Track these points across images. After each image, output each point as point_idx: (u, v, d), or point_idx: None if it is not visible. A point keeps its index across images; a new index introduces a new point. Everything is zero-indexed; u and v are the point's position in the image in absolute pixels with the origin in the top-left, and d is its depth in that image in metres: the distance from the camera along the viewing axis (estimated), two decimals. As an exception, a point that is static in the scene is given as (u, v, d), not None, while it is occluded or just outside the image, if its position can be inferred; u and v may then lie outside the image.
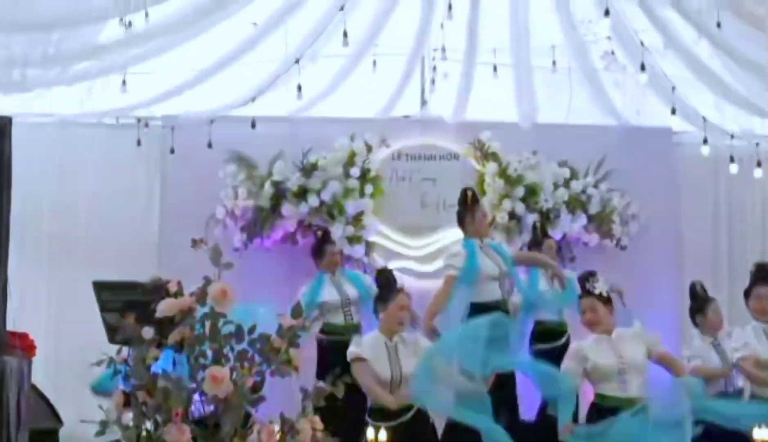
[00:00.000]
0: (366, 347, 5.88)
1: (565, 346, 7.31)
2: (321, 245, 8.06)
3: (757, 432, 4.62)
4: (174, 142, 8.56)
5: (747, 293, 6.54)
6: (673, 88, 8.11)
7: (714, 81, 8.35)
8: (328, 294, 7.81)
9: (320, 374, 6.89)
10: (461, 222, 7.35)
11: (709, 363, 6.89)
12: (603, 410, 5.75)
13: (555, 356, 6.87)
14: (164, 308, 3.70)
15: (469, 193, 7.36)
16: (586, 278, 6.05)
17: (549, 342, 7.83)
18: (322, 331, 7.61)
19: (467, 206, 7.30)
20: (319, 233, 8.17)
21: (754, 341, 6.36)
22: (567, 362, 5.97)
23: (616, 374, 5.77)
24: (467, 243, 7.18)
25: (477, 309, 6.65)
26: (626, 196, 8.94)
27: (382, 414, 5.67)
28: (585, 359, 5.85)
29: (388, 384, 5.75)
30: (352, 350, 5.86)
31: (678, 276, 9.12)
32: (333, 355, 7.07)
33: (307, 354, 4.25)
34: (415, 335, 6.07)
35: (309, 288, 7.85)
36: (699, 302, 7.38)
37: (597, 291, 5.95)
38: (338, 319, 7.75)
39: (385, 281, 6.19)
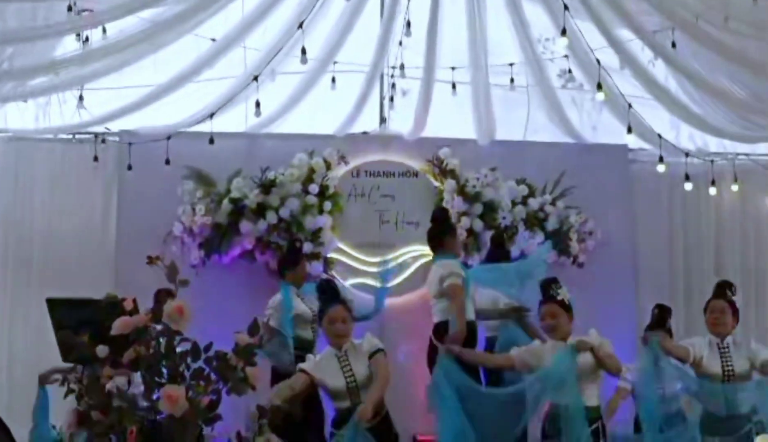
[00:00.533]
0: (314, 361, 5.90)
1: None
2: (296, 256, 7.93)
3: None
4: (131, 158, 8.50)
5: (705, 308, 6.67)
6: (629, 107, 8.19)
7: (669, 100, 8.45)
8: (297, 308, 7.67)
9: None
10: (440, 240, 7.42)
11: None
12: (557, 417, 5.77)
13: None
14: (119, 325, 3.66)
15: (450, 212, 7.49)
16: (549, 284, 6.06)
17: None
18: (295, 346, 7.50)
19: (449, 225, 7.40)
20: (297, 243, 8.06)
21: (706, 352, 6.46)
22: (524, 353, 6.03)
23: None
24: (456, 261, 7.34)
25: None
26: (583, 213, 9.00)
27: (345, 423, 5.65)
28: (540, 361, 5.88)
29: (345, 392, 5.72)
30: (299, 365, 5.87)
31: (634, 292, 9.23)
32: None
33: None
34: (365, 340, 6.00)
35: (281, 301, 7.68)
36: (648, 326, 7.58)
37: (559, 297, 5.98)
38: (307, 333, 7.59)
39: (321, 294, 6.13)
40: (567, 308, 6.00)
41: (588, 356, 5.86)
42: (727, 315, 6.45)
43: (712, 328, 6.47)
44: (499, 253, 8.22)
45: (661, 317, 7.76)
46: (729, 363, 6.35)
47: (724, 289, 6.60)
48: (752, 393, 6.20)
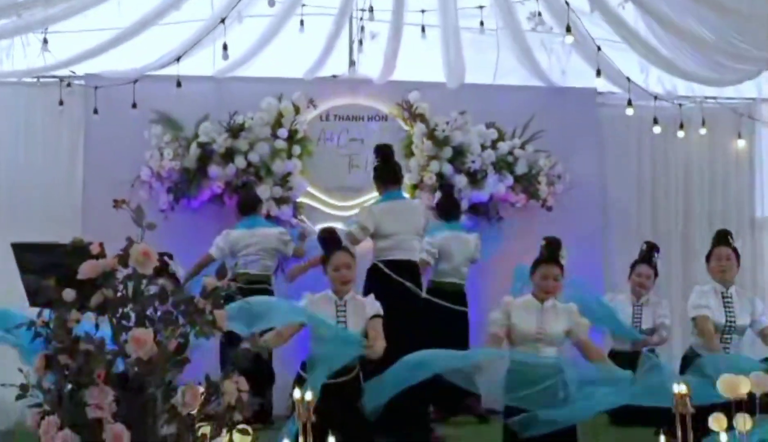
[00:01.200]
0: (311, 298, 5.98)
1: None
2: (256, 199, 8.11)
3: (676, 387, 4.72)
4: (97, 102, 8.41)
5: (708, 257, 6.77)
6: (599, 49, 8.18)
7: (639, 43, 8.43)
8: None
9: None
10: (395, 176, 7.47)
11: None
12: (516, 371, 5.82)
13: None
14: (86, 269, 3.64)
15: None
16: (558, 244, 6.08)
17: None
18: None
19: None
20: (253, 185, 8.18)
21: (712, 301, 6.56)
22: (494, 313, 6.05)
23: (531, 341, 5.86)
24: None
25: None
26: (552, 157, 9.01)
27: (316, 369, 5.68)
28: (509, 316, 5.92)
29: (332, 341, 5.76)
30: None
31: (602, 235, 9.29)
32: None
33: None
34: (369, 301, 6.07)
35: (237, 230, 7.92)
36: (635, 261, 7.70)
37: (563, 261, 6.03)
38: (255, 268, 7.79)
39: (322, 242, 6.29)
40: (562, 270, 6.06)
41: (561, 326, 5.94)
42: (732, 261, 6.63)
43: (719, 275, 6.59)
44: (449, 202, 8.30)
45: (648, 254, 7.90)
46: (732, 315, 6.45)
47: (726, 236, 6.71)
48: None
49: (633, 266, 7.97)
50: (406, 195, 8.16)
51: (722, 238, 6.79)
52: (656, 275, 7.94)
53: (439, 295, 7.89)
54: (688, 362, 6.39)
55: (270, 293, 7.63)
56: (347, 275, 6.01)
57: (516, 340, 5.94)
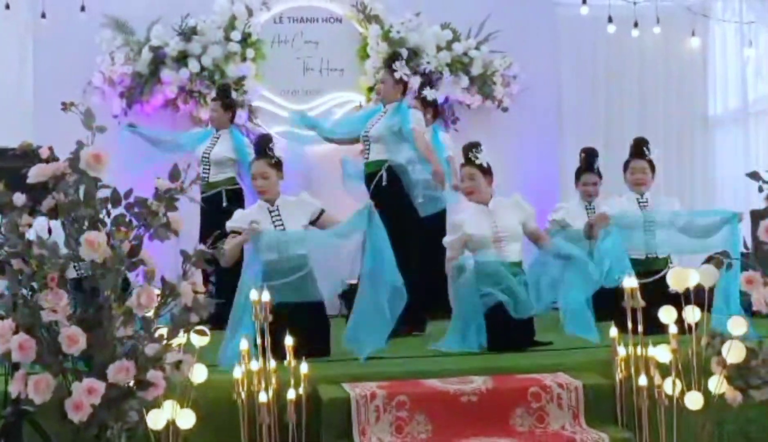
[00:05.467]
0: (241, 214, 5.96)
1: None
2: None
3: (627, 281, 4.82)
4: (45, 5, 8.22)
5: (625, 166, 6.80)
6: (554, -52, 8.12)
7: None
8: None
9: (203, 234, 6.95)
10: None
11: (575, 224, 7.46)
12: (483, 275, 5.91)
13: None
14: (36, 173, 3.61)
15: None
16: (470, 147, 6.13)
17: None
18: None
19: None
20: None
21: (628, 208, 6.65)
22: (448, 237, 6.11)
23: (491, 242, 5.93)
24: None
25: None
26: (507, 57, 8.98)
27: (272, 277, 5.72)
28: (461, 230, 5.97)
29: (275, 243, 5.76)
30: (227, 224, 5.86)
31: (558, 136, 9.34)
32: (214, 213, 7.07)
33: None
34: (298, 196, 6.05)
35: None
36: (578, 170, 7.78)
37: (478, 161, 6.06)
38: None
39: (257, 147, 6.26)
40: (485, 171, 6.09)
41: (514, 219, 6.01)
42: (648, 174, 6.69)
43: (635, 187, 6.66)
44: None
45: (588, 162, 7.92)
46: (650, 214, 6.55)
47: (641, 147, 6.72)
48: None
49: (578, 175, 7.99)
50: None
51: (638, 150, 6.77)
52: (600, 178, 7.94)
53: None
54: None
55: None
56: (262, 185, 5.93)
57: (476, 247, 6.01)
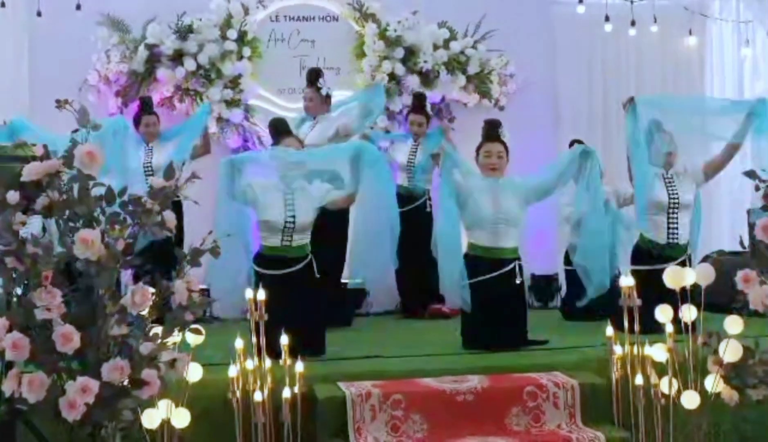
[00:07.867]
0: (262, 184, 5.91)
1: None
2: None
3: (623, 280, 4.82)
4: (41, 4, 8.19)
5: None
6: (550, -53, 8.11)
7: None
8: None
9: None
10: None
11: None
12: (475, 259, 5.91)
13: None
14: (30, 171, 3.60)
15: None
16: (497, 125, 6.19)
17: None
18: None
19: None
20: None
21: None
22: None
23: (490, 224, 5.93)
24: None
25: None
26: (504, 56, 8.97)
27: (265, 261, 5.73)
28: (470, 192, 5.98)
29: (280, 229, 5.77)
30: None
31: (555, 134, 9.31)
32: None
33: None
34: (315, 186, 6.00)
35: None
36: None
37: (505, 139, 6.14)
38: None
39: (271, 129, 6.49)
40: (508, 151, 6.15)
41: (515, 202, 5.99)
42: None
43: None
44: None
45: None
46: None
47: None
48: None
49: None
50: None
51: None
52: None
53: None
54: None
55: None
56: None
57: (473, 224, 6.00)
